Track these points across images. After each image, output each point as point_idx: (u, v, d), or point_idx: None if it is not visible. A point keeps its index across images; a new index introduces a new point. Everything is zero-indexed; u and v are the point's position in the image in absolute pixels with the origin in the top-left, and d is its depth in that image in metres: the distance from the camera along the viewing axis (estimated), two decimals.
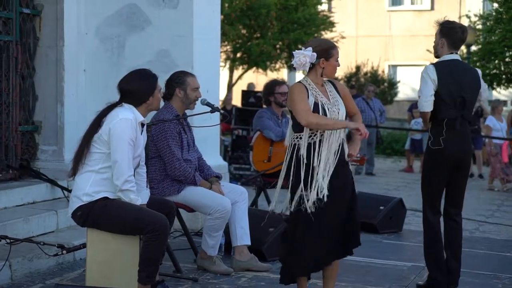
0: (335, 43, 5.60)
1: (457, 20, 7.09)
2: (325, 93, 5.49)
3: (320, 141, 5.36)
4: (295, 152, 5.39)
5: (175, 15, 8.61)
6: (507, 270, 7.31)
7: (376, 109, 16.66)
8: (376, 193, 11.21)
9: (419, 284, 6.55)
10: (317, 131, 5.35)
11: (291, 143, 5.44)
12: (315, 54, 5.39)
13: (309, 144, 5.36)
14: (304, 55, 5.39)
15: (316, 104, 5.38)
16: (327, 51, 5.43)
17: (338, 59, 5.53)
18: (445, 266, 6.33)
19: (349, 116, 5.75)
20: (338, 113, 5.44)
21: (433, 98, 6.16)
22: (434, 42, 6.37)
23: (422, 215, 6.48)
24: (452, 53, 6.27)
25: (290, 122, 5.52)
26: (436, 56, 6.36)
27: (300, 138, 5.39)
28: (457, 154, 6.22)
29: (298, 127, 5.41)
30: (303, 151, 5.35)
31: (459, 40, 6.27)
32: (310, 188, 5.30)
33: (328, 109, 5.39)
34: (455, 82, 6.17)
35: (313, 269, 5.50)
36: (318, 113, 5.36)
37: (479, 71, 6.40)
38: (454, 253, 6.34)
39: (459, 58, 6.30)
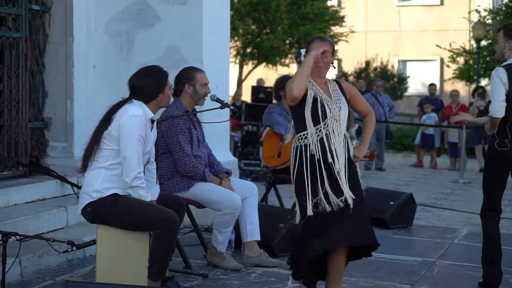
0: (323, 36, 5.50)
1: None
2: (326, 91, 5.41)
3: (326, 135, 5.28)
4: (304, 152, 5.28)
5: (184, 10, 8.61)
6: None
7: (385, 105, 16.67)
8: (386, 188, 11.19)
9: (480, 282, 6.45)
10: (321, 128, 5.26)
11: (296, 145, 5.34)
12: (304, 50, 5.37)
13: (317, 141, 5.27)
14: (302, 54, 5.41)
15: (315, 100, 5.29)
16: (308, 45, 5.37)
17: (325, 55, 5.37)
18: (499, 268, 6.31)
19: (362, 116, 5.68)
20: (339, 111, 5.34)
21: (505, 103, 6.01)
22: (497, 46, 6.27)
23: (481, 219, 6.39)
24: None
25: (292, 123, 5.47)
26: (502, 60, 6.20)
27: (306, 137, 5.30)
28: None
29: (300, 127, 5.33)
30: (313, 148, 5.25)
31: None
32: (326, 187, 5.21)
33: (328, 106, 5.31)
34: None
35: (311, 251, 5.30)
36: (317, 109, 5.27)
37: None
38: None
39: None
